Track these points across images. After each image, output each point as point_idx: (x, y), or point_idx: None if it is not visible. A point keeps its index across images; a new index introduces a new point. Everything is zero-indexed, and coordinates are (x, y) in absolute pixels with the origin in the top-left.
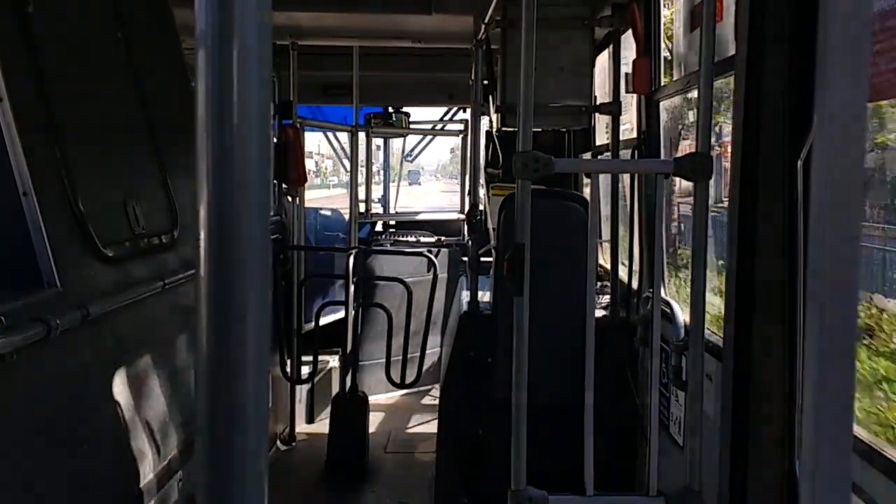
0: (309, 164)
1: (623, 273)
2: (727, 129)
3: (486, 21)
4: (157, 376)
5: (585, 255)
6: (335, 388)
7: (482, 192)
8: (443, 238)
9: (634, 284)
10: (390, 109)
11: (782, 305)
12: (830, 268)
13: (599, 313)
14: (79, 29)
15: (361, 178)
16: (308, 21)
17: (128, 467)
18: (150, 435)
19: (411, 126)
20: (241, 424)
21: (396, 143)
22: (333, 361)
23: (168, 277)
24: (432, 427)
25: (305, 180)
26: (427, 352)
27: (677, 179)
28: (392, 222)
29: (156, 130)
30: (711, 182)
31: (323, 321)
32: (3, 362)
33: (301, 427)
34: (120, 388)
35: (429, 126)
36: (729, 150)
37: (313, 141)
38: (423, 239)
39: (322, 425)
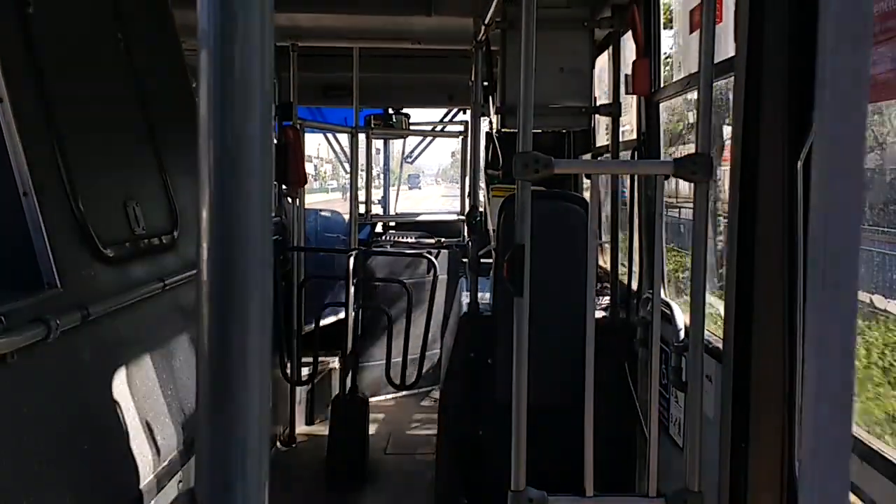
0: (308, 168)
1: (623, 274)
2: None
3: (486, 22)
4: (157, 377)
5: (585, 256)
6: (335, 390)
7: (482, 193)
8: (443, 239)
9: (634, 286)
10: (390, 111)
11: (782, 307)
12: (830, 268)
13: (599, 314)
14: (79, 29)
15: (361, 182)
16: (308, 22)
17: (128, 468)
18: (150, 435)
19: (411, 127)
20: (242, 425)
21: (396, 145)
22: (333, 363)
23: (168, 278)
24: (432, 428)
25: (305, 181)
26: (427, 353)
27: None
28: (392, 224)
29: (156, 131)
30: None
31: (323, 322)
32: (3, 363)
33: (301, 428)
34: (120, 388)
35: (429, 127)
36: (724, 152)
37: (312, 144)
38: (422, 240)
39: (322, 427)
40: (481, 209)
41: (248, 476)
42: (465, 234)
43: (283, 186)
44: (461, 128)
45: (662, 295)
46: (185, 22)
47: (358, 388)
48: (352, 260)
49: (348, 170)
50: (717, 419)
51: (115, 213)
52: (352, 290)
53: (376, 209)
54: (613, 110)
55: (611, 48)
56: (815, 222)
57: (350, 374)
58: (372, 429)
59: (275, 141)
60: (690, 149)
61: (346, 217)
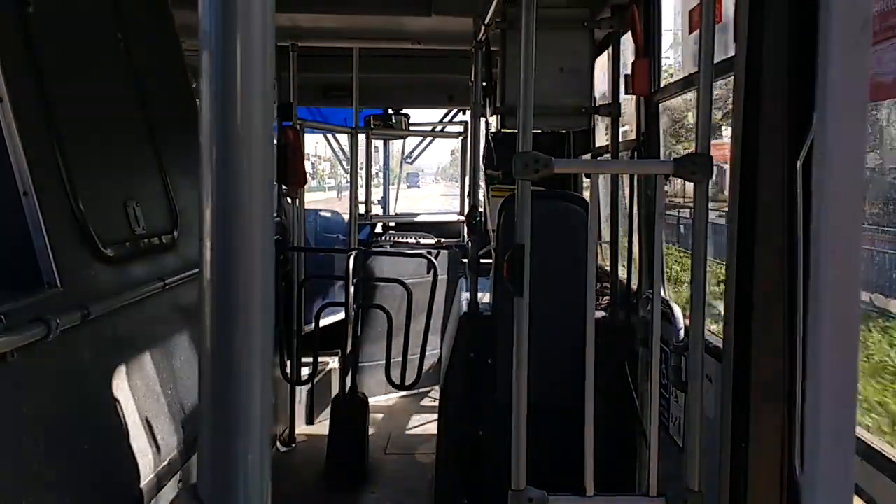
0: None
1: (622, 274)
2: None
3: (485, 22)
4: (156, 376)
5: (585, 256)
6: (335, 390)
7: (482, 193)
8: (442, 239)
9: (634, 285)
10: (390, 111)
11: (782, 306)
12: (831, 268)
13: (599, 314)
14: (79, 29)
15: (361, 181)
16: (308, 23)
17: (128, 467)
18: (150, 435)
19: (411, 128)
20: (244, 425)
21: (396, 145)
22: (333, 363)
23: (168, 278)
24: (432, 428)
25: (305, 182)
26: (427, 353)
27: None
28: (392, 224)
29: (156, 131)
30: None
31: (323, 322)
32: (4, 362)
33: (301, 428)
34: (120, 387)
35: (428, 128)
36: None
37: (310, 142)
38: (422, 240)
39: (322, 427)
40: (481, 209)
41: (250, 475)
42: (465, 234)
43: (283, 187)
44: (461, 128)
45: (662, 294)
46: (185, 22)
47: (358, 388)
48: (351, 260)
49: (347, 169)
50: (717, 419)
51: (115, 213)
52: (351, 290)
53: (376, 209)
54: (613, 110)
55: (610, 48)
56: (816, 223)
57: (350, 374)
58: (372, 429)
59: (274, 141)
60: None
61: (346, 217)
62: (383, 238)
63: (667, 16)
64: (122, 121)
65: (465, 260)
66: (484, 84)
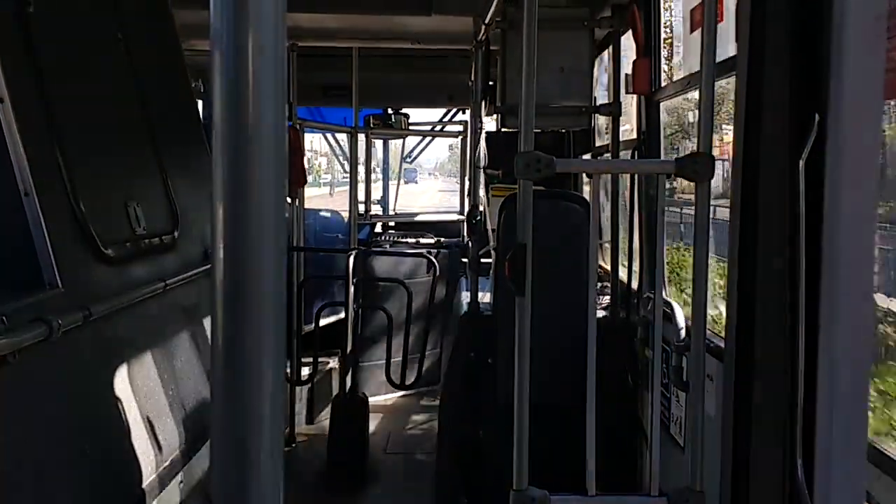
0: None
1: (623, 274)
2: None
3: (486, 22)
4: (158, 376)
5: (586, 255)
6: (335, 390)
7: (482, 193)
8: (442, 239)
9: (634, 285)
10: (389, 111)
11: (784, 306)
12: (844, 267)
13: (600, 314)
14: (79, 30)
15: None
16: (308, 22)
17: (129, 467)
18: (151, 435)
19: (411, 127)
20: (256, 426)
21: (396, 144)
22: (333, 362)
23: (169, 278)
24: (432, 428)
25: (305, 181)
26: (427, 353)
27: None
28: (392, 223)
29: (156, 131)
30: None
31: (323, 322)
32: (5, 363)
33: (301, 428)
34: (121, 388)
35: (428, 127)
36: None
37: (307, 137)
38: (422, 240)
39: (322, 426)
40: (481, 209)
41: (262, 475)
42: (465, 233)
43: None
44: (461, 127)
45: (663, 294)
46: (186, 22)
47: (358, 388)
48: (351, 260)
49: (346, 167)
50: (718, 418)
51: (115, 214)
52: (351, 289)
53: (375, 209)
54: (613, 110)
55: (611, 48)
56: (829, 224)
57: (350, 374)
58: (372, 428)
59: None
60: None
61: (345, 217)
62: (383, 238)
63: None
64: (123, 121)
65: (465, 259)
66: (490, 83)
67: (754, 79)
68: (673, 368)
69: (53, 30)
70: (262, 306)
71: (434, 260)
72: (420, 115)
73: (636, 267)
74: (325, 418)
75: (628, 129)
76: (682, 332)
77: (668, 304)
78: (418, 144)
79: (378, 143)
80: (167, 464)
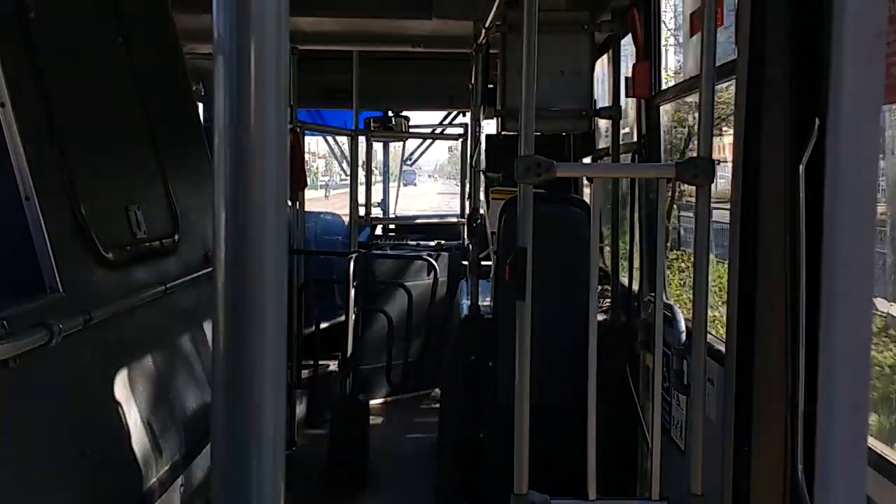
0: None
1: (623, 277)
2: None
3: (486, 26)
4: (158, 380)
5: (586, 258)
6: (336, 393)
7: (482, 196)
8: (443, 242)
9: (635, 288)
10: (390, 113)
11: (784, 309)
12: (844, 271)
13: (600, 317)
14: (80, 33)
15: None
16: (308, 26)
17: (130, 471)
18: (152, 439)
19: (411, 130)
20: (257, 429)
21: (396, 147)
22: (334, 366)
23: (169, 282)
24: (433, 431)
25: (306, 184)
26: (427, 356)
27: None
28: (392, 226)
29: (157, 135)
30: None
31: (323, 325)
32: (6, 367)
33: (302, 431)
34: (122, 392)
35: (428, 130)
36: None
37: (304, 140)
38: (423, 243)
39: (322, 430)
40: (482, 212)
41: (263, 479)
42: (466, 236)
43: None
44: (461, 130)
45: (664, 297)
46: (186, 26)
47: (358, 391)
48: (352, 263)
49: (345, 168)
50: (719, 422)
51: (116, 217)
52: (352, 293)
53: (375, 211)
54: (613, 113)
55: (611, 51)
56: (829, 227)
57: (350, 377)
58: (372, 432)
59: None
60: None
61: (346, 219)
62: (383, 240)
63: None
64: (124, 124)
65: (465, 262)
66: (489, 86)
67: (754, 82)
68: (674, 372)
69: (54, 32)
70: (264, 310)
71: (434, 263)
72: (420, 118)
73: (636, 270)
74: (325, 421)
75: (627, 131)
76: (683, 336)
77: (669, 308)
78: (418, 147)
79: (378, 146)
80: (168, 468)
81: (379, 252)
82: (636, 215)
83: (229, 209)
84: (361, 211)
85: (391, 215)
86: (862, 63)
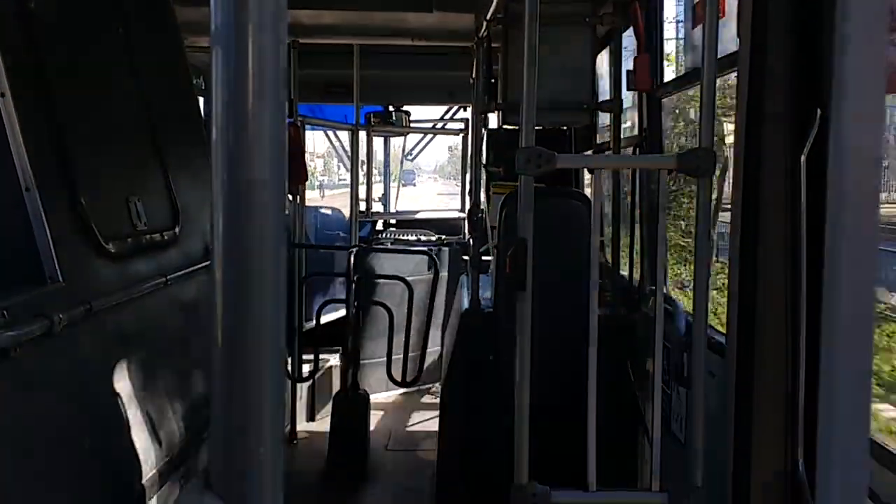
0: None
1: (624, 270)
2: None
3: (487, 18)
4: (159, 372)
5: (587, 252)
6: (336, 387)
7: (483, 190)
8: (443, 236)
9: (636, 281)
10: (391, 108)
11: (785, 301)
12: (846, 263)
13: (601, 310)
14: (81, 25)
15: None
16: (308, 19)
17: (130, 462)
18: (152, 430)
19: (412, 125)
20: (256, 421)
21: (397, 142)
22: (334, 360)
23: (170, 273)
24: (433, 425)
25: (306, 179)
26: (428, 350)
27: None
28: (393, 221)
29: (157, 126)
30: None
31: (324, 319)
32: (7, 357)
33: (302, 425)
34: (122, 383)
35: (429, 125)
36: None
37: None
38: (423, 237)
39: (323, 423)
40: (482, 206)
41: (262, 470)
42: (466, 231)
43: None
44: (462, 125)
45: (664, 290)
46: (186, 18)
47: (359, 385)
48: (352, 257)
49: (346, 163)
50: (719, 415)
51: (117, 209)
52: (353, 287)
53: (376, 206)
54: (615, 106)
55: (612, 44)
56: (830, 219)
57: (351, 371)
58: (373, 426)
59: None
60: None
61: (347, 214)
62: (384, 235)
63: None
64: (124, 116)
65: (466, 257)
66: (492, 81)
67: (756, 73)
68: (674, 364)
69: (54, 25)
70: (262, 302)
71: (435, 257)
72: (421, 113)
73: (637, 264)
74: (326, 415)
75: (629, 125)
76: (684, 329)
77: (670, 301)
78: (419, 142)
79: (379, 142)
80: (168, 459)
81: (380, 246)
82: (637, 209)
83: (227, 201)
84: (362, 206)
85: (392, 210)
86: (864, 53)
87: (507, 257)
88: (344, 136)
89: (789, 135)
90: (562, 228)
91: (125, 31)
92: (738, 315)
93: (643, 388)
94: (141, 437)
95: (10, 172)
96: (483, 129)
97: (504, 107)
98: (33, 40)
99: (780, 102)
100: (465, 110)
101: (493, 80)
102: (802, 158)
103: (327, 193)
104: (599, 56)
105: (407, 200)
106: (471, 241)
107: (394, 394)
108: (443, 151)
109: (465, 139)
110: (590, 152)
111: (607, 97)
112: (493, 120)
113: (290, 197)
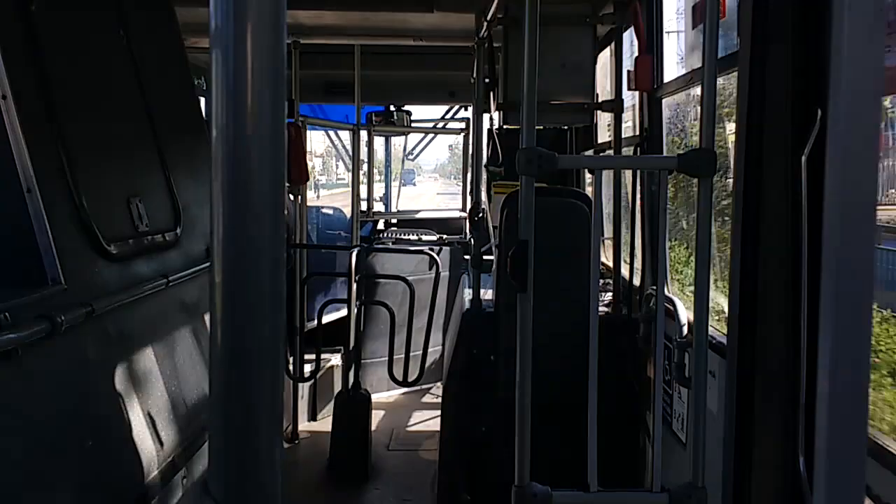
0: None
1: (625, 270)
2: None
3: (487, 19)
4: (160, 372)
5: (588, 252)
6: (338, 386)
7: (483, 190)
8: (444, 236)
9: (636, 281)
10: (392, 108)
11: (786, 301)
12: (845, 262)
13: (602, 310)
14: (82, 27)
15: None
16: (309, 19)
17: (132, 463)
18: (154, 431)
19: (413, 124)
20: (255, 421)
21: (398, 141)
22: (336, 359)
23: (171, 274)
24: (435, 425)
25: (308, 179)
26: (429, 350)
27: None
28: (394, 220)
29: (158, 128)
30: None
31: (325, 319)
32: (9, 358)
33: (304, 425)
34: (124, 384)
35: (430, 124)
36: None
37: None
38: (424, 237)
39: (325, 423)
40: (483, 206)
41: (261, 469)
42: (467, 230)
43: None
44: (463, 125)
45: (665, 290)
46: (186, 18)
47: (360, 385)
48: (354, 257)
49: (346, 163)
50: (720, 414)
51: (118, 210)
52: (354, 286)
53: (377, 206)
54: (615, 106)
55: (613, 44)
56: (830, 219)
57: (352, 371)
58: (374, 425)
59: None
60: None
61: (348, 214)
62: (385, 235)
63: None
64: (125, 117)
65: (467, 256)
66: (487, 80)
67: (756, 74)
68: (675, 364)
69: (56, 26)
70: (262, 302)
71: (436, 257)
72: (422, 113)
73: (638, 263)
74: (327, 415)
75: (629, 125)
76: (685, 328)
77: (671, 301)
78: (420, 142)
79: (380, 141)
80: (169, 459)
81: (381, 246)
82: (638, 209)
83: (227, 202)
84: (363, 206)
85: (393, 210)
86: (862, 53)
87: (508, 257)
88: (344, 135)
89: (790, 134)
90: (562, 228)
91: (126, 32)
92: (739, 315)
93: (644, 387)
94: (143, 438)
95: (11, 174)
96: (493, 127)
97: (505, 107)
98: (35, 42)
99: (780, 101)
100: (465, 110)
101: (491, 79)
102: (803, 158)
103: (324, 193)
104: (600, 56)
105: (406, 200)
106: (471, 240)
107: (395, 393)
108: (443, 151)
109: (466, 138)
110: (590, 152)
111: (608, 97)
112: (494, 120)
113: (292, 197)
